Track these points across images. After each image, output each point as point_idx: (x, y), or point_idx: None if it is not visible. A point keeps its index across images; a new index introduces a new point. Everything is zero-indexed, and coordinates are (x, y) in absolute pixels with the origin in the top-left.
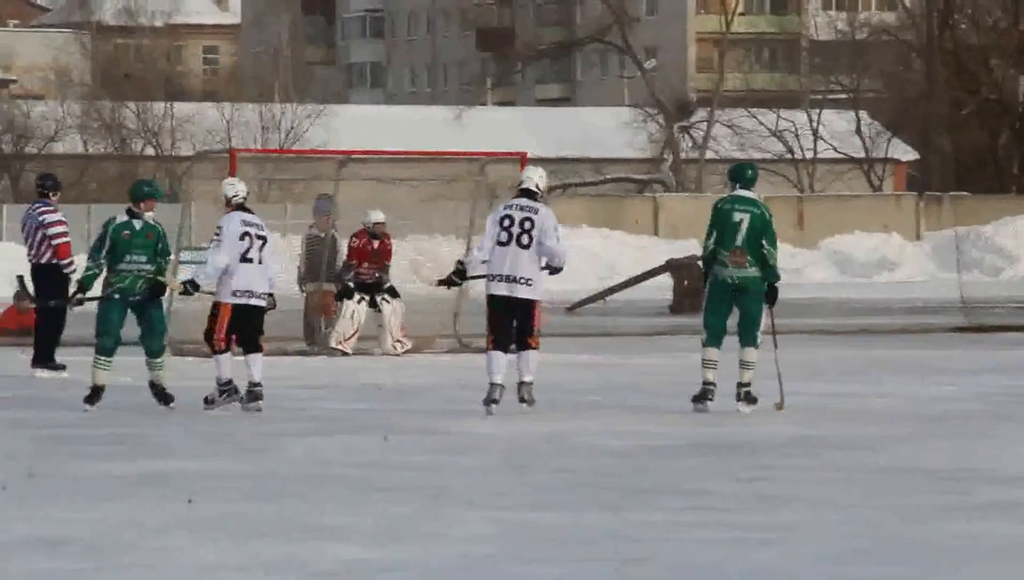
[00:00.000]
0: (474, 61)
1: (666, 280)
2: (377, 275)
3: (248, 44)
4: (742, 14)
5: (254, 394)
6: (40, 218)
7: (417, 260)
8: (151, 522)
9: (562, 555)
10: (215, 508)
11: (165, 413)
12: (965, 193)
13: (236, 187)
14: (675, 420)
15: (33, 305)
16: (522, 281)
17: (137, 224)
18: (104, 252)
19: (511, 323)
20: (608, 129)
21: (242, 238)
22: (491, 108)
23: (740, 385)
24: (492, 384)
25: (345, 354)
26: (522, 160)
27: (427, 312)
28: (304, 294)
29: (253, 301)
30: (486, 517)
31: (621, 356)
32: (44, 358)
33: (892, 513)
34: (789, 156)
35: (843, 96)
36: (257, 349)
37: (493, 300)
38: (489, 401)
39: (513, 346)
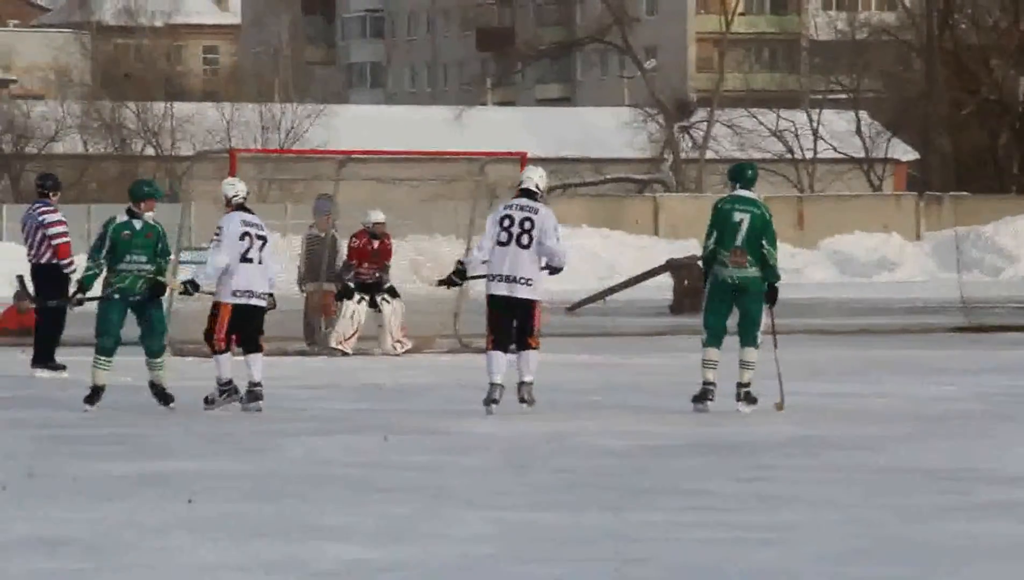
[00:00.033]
0: (474, 61)
1: (666, 280)
2: (377, 275)
3: (248, 44)
4: (742, 14)
5: (254, 394)
6: (40, 218)
7: (417, 260)
8: (151, 522)
9: (562, 555)
10: (215, 508)
11: (165, 413)
12: (965, 193)
13: (236, 187)
14: (675, 420)
15: (33, 305)
16: (522, 281)
17: (137, 224)
18: (104, 252)
19: (511, 323)
20: (608, 129)
21: (242, 238)
22: (491, 108)
23: (740, 385)
24: (492, 384)
25: (345, 354)
26: (522, 160)
27: (427, 312)
28: (304, 294)
29: (253, 301)
30: (486, 517)
31: (621, 356)
32: (44, 358)
33: (892, 513)
34: (789, 156)
35: (843, 96)
36: (257, 349)
37: (493, 300)
38: (489, 401)
39: (513, 346)
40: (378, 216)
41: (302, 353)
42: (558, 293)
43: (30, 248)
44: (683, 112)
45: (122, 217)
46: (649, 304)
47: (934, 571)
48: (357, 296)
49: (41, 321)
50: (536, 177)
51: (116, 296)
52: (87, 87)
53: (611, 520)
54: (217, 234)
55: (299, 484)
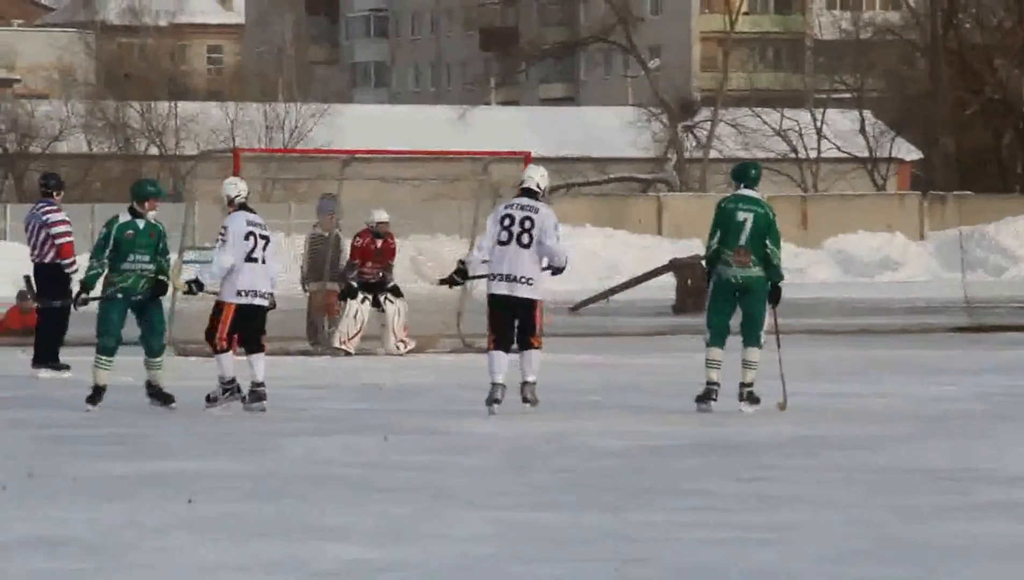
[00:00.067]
0: (478, 61)
1: (669, 280)
2: (381, 274)
3: (252, 44)
4: (746, 13)
5: (258, 394)
6: (44, 218)
7: (419, 259)
8: (151, 522)
9: (562, 555)
10: (215, 508)
11: (165, 413)
12: (969, 193)
13: (238, 186)
14: (677, 420)
15: (38, 305)
16: (522, 280)
17: (140, 223)
18: (107, 251)
19: (512, 323)
20: (612, 129)
21: (247, 238)
22: (495, 108)
23: (743, 385)
24: (494, 384)
25: (348, 354)
26: (526, 160)
27: (430, 312)
28: (307, 293)
29: (257, 301)
30: (487, 517)
31: (624, 356)
32: (47, 358)
33: (893, 513)
34: (793, 156)
35: (847, 95)
36: (259, 349)
37: (494, 299)
38: (491, 401)
39: (515, 346)
40: (382, 215)
41: (305, 353)
42: (561, 293)
43: (33, 248)
44: (687, 112)
45: (125, 216)
46: (652, 304)
47: (934, 571)
48: (360, 295)
49: (43, 321)
50: (537, 177)
51: (119, 295)
52: (91, 86)
53: (611, 520)
54: (222, 234)
55: (299, 484)
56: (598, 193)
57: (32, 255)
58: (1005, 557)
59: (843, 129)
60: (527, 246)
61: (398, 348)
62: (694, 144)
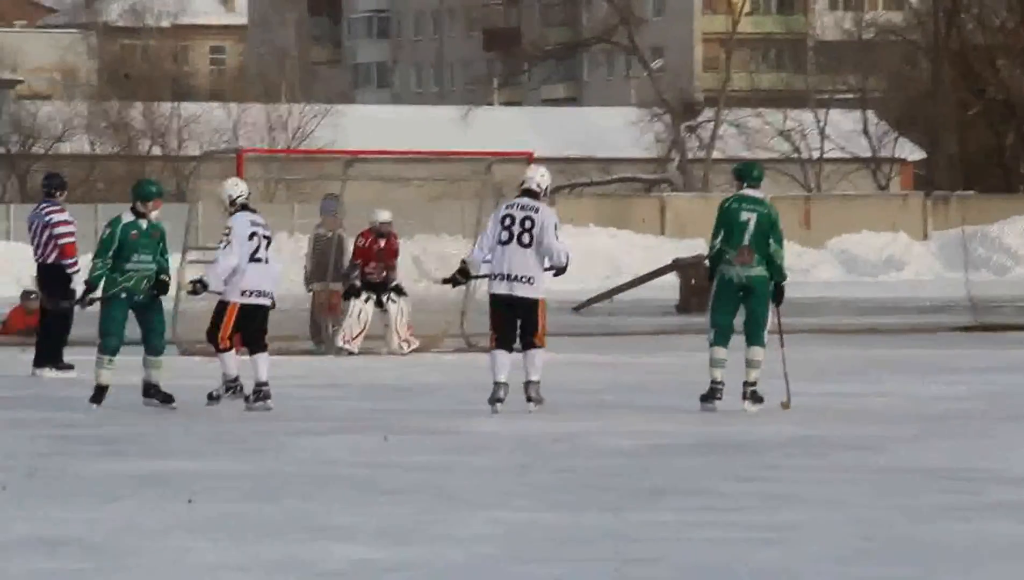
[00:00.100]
0: (480, 61)
1: (672, 279)
2: (384, 274)
3: (254, 44)
4: (748, 14)
5: (262, 394)
6: (47, 218)
7: (421, 259)
8: (152, 522)
9: (564, 555)
10: (216, 508)
11: (166, 413)
12: (972, 192)
13: (240, 187)
14: (680, 419)
15: (48, 305)
16: (523, 280)
17: (143, 224)
18: (111, 251)
19: (514, 322)
20: (615, 129)
21: (251, 238)
22: (497, 108)
23: (746, 384)
24: (496, 383)
25: (351, 353)
26: (528, 160)
27: (434, 311)
28: (311, 293)
29: (261, 300)
30: (492, 517)
31: (627, 355)
32: (52, 359)
33: (896, 513)
34: (796, 156)
35: (850, 96)
36: (262, 349)
37: (495, 299)
38: (494, 400)
39: (518, 346)
40: (384, 215)
41: (308, 352)
42: (565, 293)
43: (36, 248)
44: (689, 112)
45: (128, 216)
46: (655, 303)
47: (938, 571)
48: (364, 295)
49: (47, 322)
50: (538, 177)
51: (123, 295)
52: (93, 87)
53: (613, 520)
54: (226, 234)
55: (301, 484)
56: (601, 193)
57: (35, 255)
58: (1009, 557)
59: (846, 129)
60: (528, 246)
61: (401, 348)
62: (697, 144)
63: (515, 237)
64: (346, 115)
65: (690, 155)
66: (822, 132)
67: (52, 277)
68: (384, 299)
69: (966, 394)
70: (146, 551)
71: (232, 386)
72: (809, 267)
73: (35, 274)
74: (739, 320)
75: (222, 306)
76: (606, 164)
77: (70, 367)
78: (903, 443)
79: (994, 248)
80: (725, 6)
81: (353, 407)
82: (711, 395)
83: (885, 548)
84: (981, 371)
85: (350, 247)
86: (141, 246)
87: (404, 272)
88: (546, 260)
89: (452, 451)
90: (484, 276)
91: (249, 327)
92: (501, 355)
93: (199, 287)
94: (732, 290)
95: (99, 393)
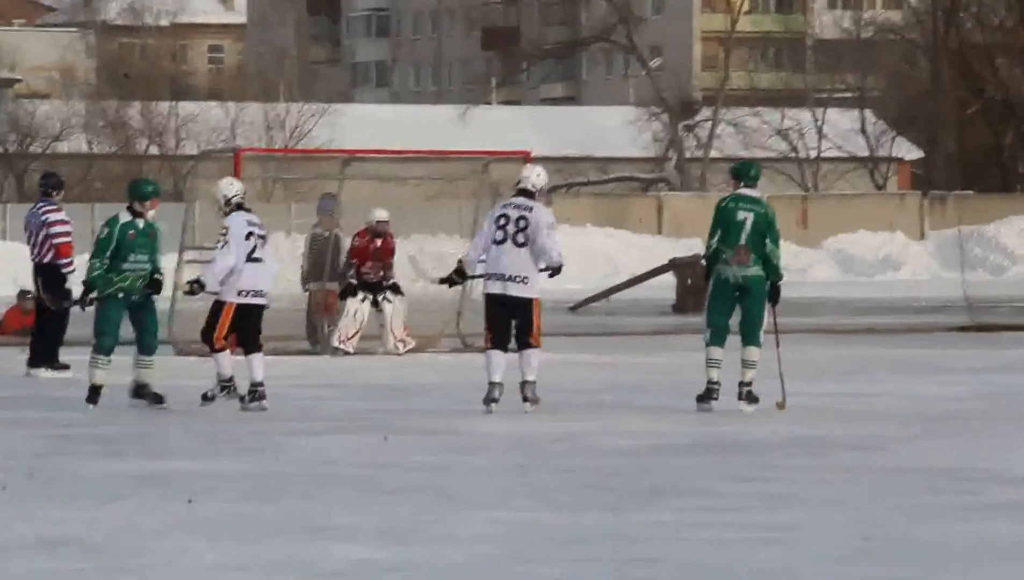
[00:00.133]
0: (479, 60)
1: (669, 279)
2: (381, 273)
3: (253, 43)
4: (747, 13)
5: (257, 394)
6: (43, 217)
7: (418, 258)
8: (152, 522)
9: (563, 555)
10: (216, 508)
11: (165, 413)
12: (969, 192)
13: (235, 186)
14: (678, 419)
15: (51, 305)
16: (517, 279)
17: (140, 223)
18: (109, 251)
19: (509, 321)
20: (613, 128)
21: (248, 238)
22: (496, 107)
23: (742, 384)
24: (491, 383)
25: (347, 353)
26: (526, 159)
27: (430, 311)
28: (307, 293)
29: (258, 300)
30: (492, 518)
31: (624, 355)
32: (47, 358)
33: (898, 513)
34: (793, 155)
35: (848, 95)
36: (257, 349)
37: (490, 299)
38: (488, 400)
39: (514, 346)
40: (381, 214)
41: (304, 352)
42: (562, 292)
43: (33, 247)
44: (688, 111)
45: (125, 216)
46: (652, 303)
47: (938, 571)
48: (360, 294)
49: (43, 322)
50: (533, 176)
51: (120, 295)
52: (92, 86)
53: (612, 520)
54: (223, 234)
55: (301, 484)
56: (599, 192)
57: (32, 255)
58: (1009, 557)
59: (844, 128)
60: (522, 245)
61: (397, 348)
62: (695, 143)
63: (510, 237)
64: (344, 114)
65: (688, 154)
66: (820, 131)
67: (49, 277)
68: (380, 299)
69: (965, 394)
70: (146, 551)
71: (227, 386)
72: (806, 267)
73: (32, 274)
74: (735, 320)
75: (218, 306)
76: (604, 163)
77: (66, 367)
78: (902, 443)
79: (991, 248)
80: (724, 5)
81: (351, 407)
82: (707, 395)
83: (885, 548)
84: (978, 371)
85: (347, 247)
86: (138, 246)
87: (401, 272)
88: (541, 261)
89: (451, 451)
90: (480, 276)
91: (245, 327)
92: (496, 355)
93: (196, 288)
94: (728, 290)
95: (94, 393)
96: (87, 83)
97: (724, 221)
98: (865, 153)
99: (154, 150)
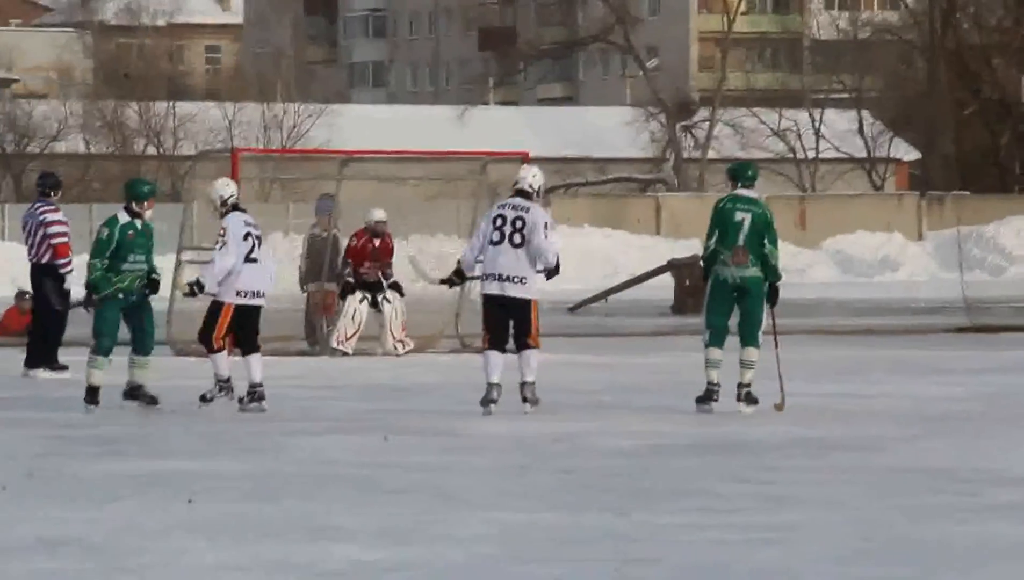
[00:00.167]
0: (476, 61)
1: (668, 280)
2: (380, 274)
3: (250, 43)
4: (744, 13)
5: (256, 394)
6: (41, 217)
7: (417, 259)
8: (152, 523)
9: (563, 555)
10: (216, 508)
11: (165, 414)
12: (967, 193)
13: (231, 187)
14: (678, 420)
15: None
16: (514, 280)
17: (138, 224)
18: (109, 252)
19: (506, 322)
20: (610, 128)
21: (245, 238)
22: (493, 107)
23: (741, 385)
24: (489, 384)
25: (346, 354)
26: (524, 160)
27: (429, 312)
28: (306, 294)
29: (256, 301)
30: (491, 518)
31: (623, 356)
32: (46, 359)
33: (896, 513)
34: (791, 156)
35: (845, 96)
36: (255, 349)
37: (487, 299)
38: (486, 401)
39: (512, 346)
40: (380, 214)
41: (303, 353)
42: (560, 293)
43: (31, 248)
44: (685, 111)
45: (124, 217)
46: (651, 304)
47: (938, 572)
48: (359, 294)
49: (41, 322)
50: (530, 177)
51: (120, 296)
52: (89, 86)
53: (612, 520)
54: (222, 235)
55: (300, 484)
56: (596, 193)
57: (30, 255)
58: (1008, 557)
59: (841, 129)
60: (519, 246)
61: (396, 349)
62: (692, 144)
63: (506, 237)
64: (342, 114)
65: (685, 155)
66: (817, 132)
67: (47, 277)
68: (379, 299)
69: (963, 395)
70: (146, 551)
71: (224, 386)
72: (804, 267)
73: (30, 274)
74: (734, 321)
75: (216, 306)
76: (602, 164)
77: (64, 368)
78: (901, 444)
79: (989, 248)
80: (720, 5)
81: (350, 408)
82: (707, 397)
83: (884, 548)
84: (977, 372)
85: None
86: (137, 246)
87: (399, 272)
88: (537, 262)
89: (451, 451)
90: (478, 277)
91: (243, 327)
92: (494, 356)
93: (196, 289)
94: (727, 291)
95: (93, 394)
96: (84, 83)
97: (722, 222)
98: (863, 154)
99: (152, 150)
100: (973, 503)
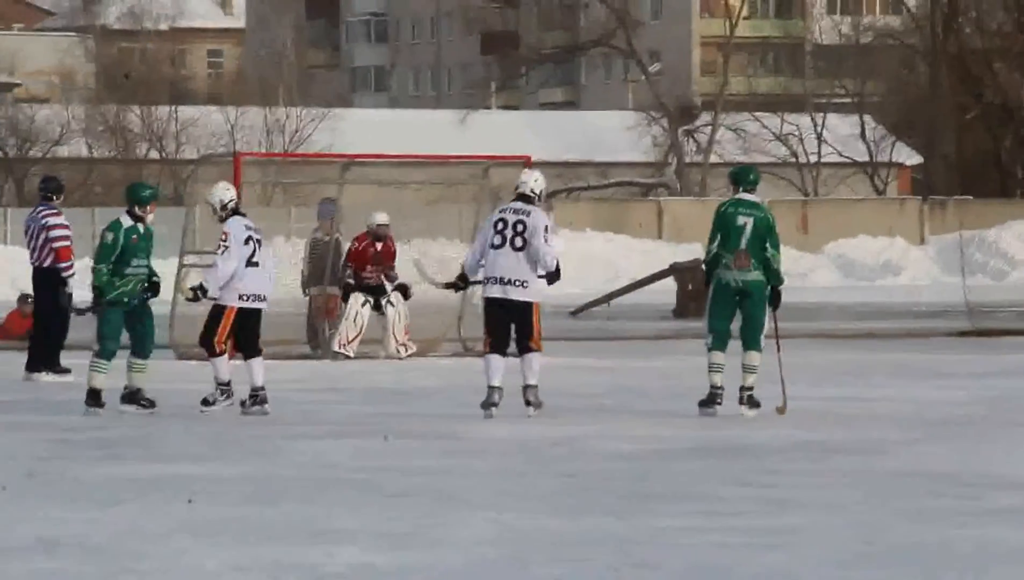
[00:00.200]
0: (478, 65)
1: (670, 284)
2: (383, 277)
3: (252, 47)
4: (746, 18)
5: (259, 398)
6: (43, 221)
7: (421, 262)
8: (153, 525)
9: (564, 558)
10: (217, 511)
11: (166, 417)
12: (969, 197)
13: (232, 191)
14: (679, 424)
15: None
16: (516, 283)
17: (141, 228)
18: (114, 256)
19: (508, 326)
20: (612, 133)
21: (247, 242)
22: (495, 112)
23: (743, 389)
24: (490, 388)
25: (347, 357)
26: (526, 163)
27: (431, 315)
28: (308, 297)
29: (258, 305)
30: (492, 521)
31: (625, 360)
32: (48, 362)
33: (898, 517)
34: (793, 160)
35: (847, 100)
36: (257, 353)
37: (489, 302)
38: (487, 405)
39: (513, 350)
40: (382, 217)
41: (305, 356)
42: (562, 296)
43: (32, 251)
44: (687, 116)
45: (127, 221)
46: (653, 308)
47: (940, 576)
48: (361, 297)
49: (42, 326)
50: (532, 181)
51: (124, 300)
52: (91, 91)
53: (614, 524)
54: (224, 240)
55: (303, 487)
56: (598, 197)
57: (32, 259)
58: (1010, 562)
59: (843, 133)
60: (520, 249)
61: (399, 352)
62: (694, 148)
63: (508, 241)
64: (344, 119)
65: (687, 159)
66: (819, 136)
67: (49, 281)
68: (382, 303)
69: (965, 399)
70: (147, 554)
71: (225, 390)
72: (806, 271)
73: (32, 278)
74: (736, 325)
75: (219, 310)
76: (604, 168)
77: (67, 371)
78: (903, 447)
79: (991, 253)
80: (723, 10)
81: (352, 411)
82: (711, 400)
83: (886, 552)
84: (979, 376)
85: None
86: (139, 250)
87: (404, 275)
88: (538, 266)
89: (452, 455)
90: (480, 282)
91: (244, 331)
92: (495, 359)
93: (199, 294)
94: (729, 294)
95: (95, 397)
96: (86, 87)
97: (724, 226)
98: (865, 158)
99: (154, 154)
100: (974, 507)
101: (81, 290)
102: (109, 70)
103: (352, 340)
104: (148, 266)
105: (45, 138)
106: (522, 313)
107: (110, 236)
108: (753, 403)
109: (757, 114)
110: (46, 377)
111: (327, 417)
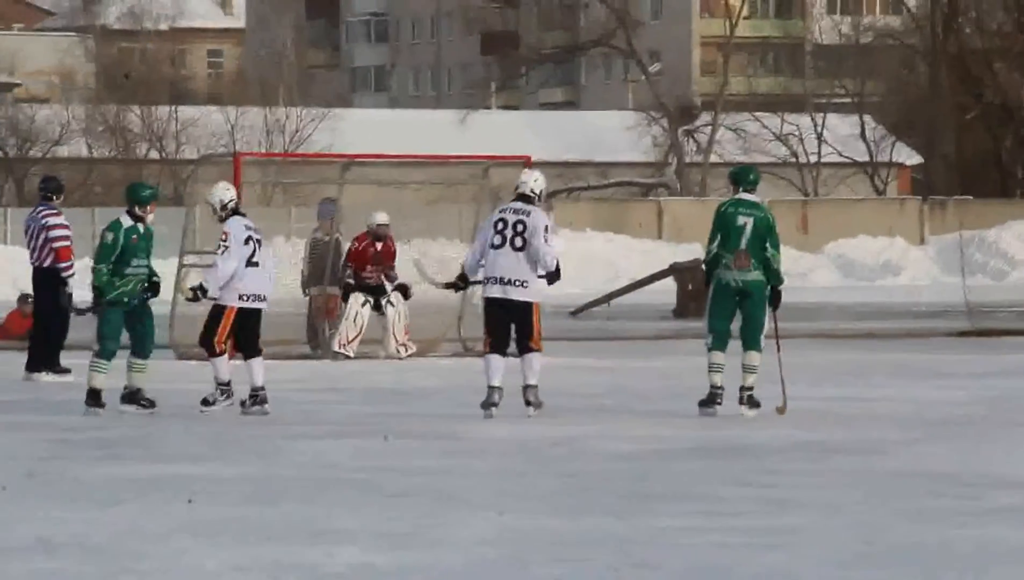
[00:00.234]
0: (478, 65)
1: (670, 284)
2: (383, 277)
3: (252, 47)
4: (746, 18)
5: (259, 398)
6: (43, 221)
7: (421, 262)
8: (153, 525)
9: (565, 558)
10: (217, 511)
11: (166, 417)
12: (969, 197)
13: (230, 192)
14: (679, 424)
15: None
16: (516, 283)
17: (141, 228)
18: (115, 256)
19: (508, 326)
20: (612, 133)
21: (247, 242)
22: (495, 112)
23: (743, 389)
24: (490, 388)
25: (348, 357)
26: (526, 164)
27: (431, 315)
28: (308, 297)
29: (258, 304)
30: (491, 521)
31: (625, 360)
32: (48, 362)
33: (898, 517)
34: (793, 160)
35: (847, 100)
36: (257, 353)
37: (489, 302)
38: (487, 405)
39: (513, 350)
40: (382, 217)
41: (305, 356)
42: (562, 296)
43: (32, 251)
44: (687, 116)
45: (127, 221)
46: (653, 308)
47: (940, 576)
48: (361, 298)
49: (42, 326)
50: (531, 181)
51: (125, 300)
52: (91, 91)
53: (614, 524)
54: (224, 240)
55: (303, 487)
56: (599, 197)
57: (31, 259)
58: (1010, 562)
59: (843, 133)
60: (520, 249)
61: (399, 352)
62: (694, 148)
63: (508, 241)
64: (344, 119)
65: (687, 159)
66: (819, 136)
67: (49, 281)
68: (382, 303)
69: (965, 399)
70: (147, 554)
71: (225, 390)
72: (806, 271)
73: (31, 278)
74: (736, 325)
75: (219, 310)
76: (604, 168)
77: (67, 371)
78: (903, 448)
79: (991, 253)
80: (723, 10)
81: (352, 411)
82: (711, 400)
83: (886, 552)
84: (979, 376)
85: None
86: (140, 250)
87: (404, 275)
88: (537, 266)
89: (452, 455)
90: (482, 281)
91: (244, 331)
92: (495, 359)
93: (200, 294)
94: (729, 294)
95: (95, 397)
96: (86, 87)
97: (724, 226)
98: (865, 158)
99: (154, 154)
100: (974, 507)
101: (81, 290)
102: (109, 70)
103: (352, 340)
104: (148, 266)
105: (45, 138)
106: (522, 313)
107: (110, 236)
108: (753, 403)
109: (757, 114)
110: (46, 377)
111: (327, 417)
